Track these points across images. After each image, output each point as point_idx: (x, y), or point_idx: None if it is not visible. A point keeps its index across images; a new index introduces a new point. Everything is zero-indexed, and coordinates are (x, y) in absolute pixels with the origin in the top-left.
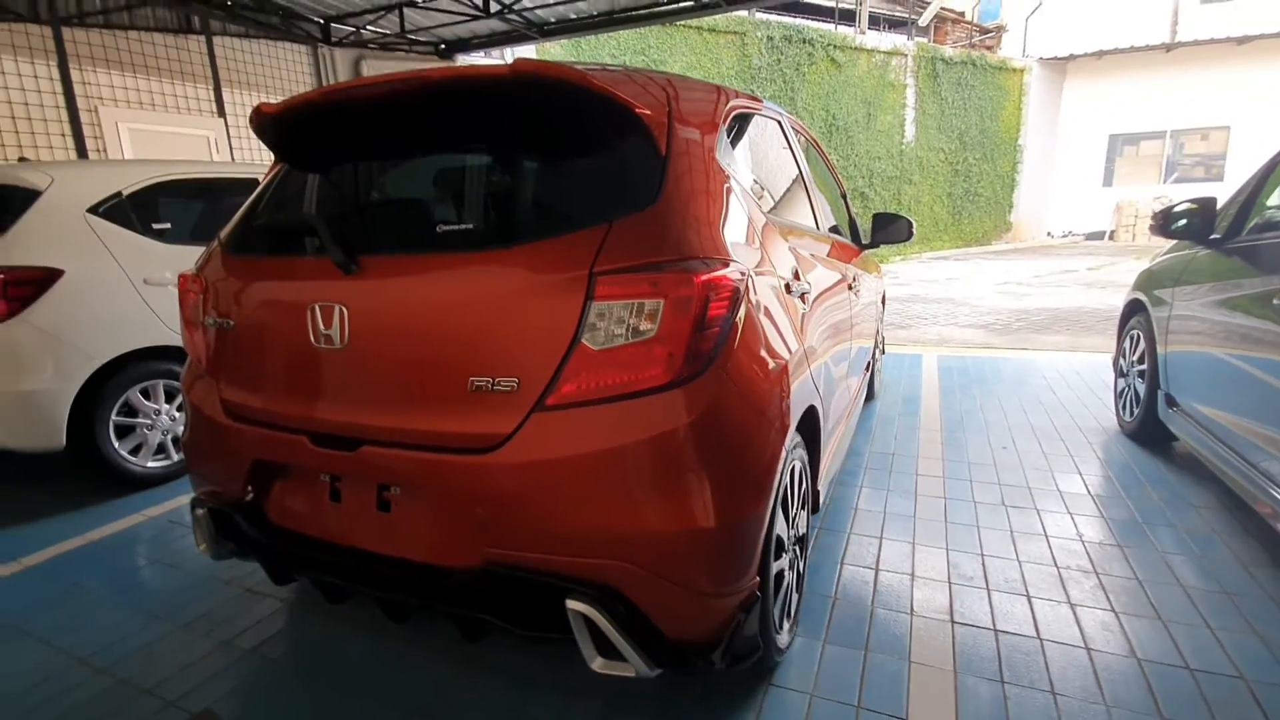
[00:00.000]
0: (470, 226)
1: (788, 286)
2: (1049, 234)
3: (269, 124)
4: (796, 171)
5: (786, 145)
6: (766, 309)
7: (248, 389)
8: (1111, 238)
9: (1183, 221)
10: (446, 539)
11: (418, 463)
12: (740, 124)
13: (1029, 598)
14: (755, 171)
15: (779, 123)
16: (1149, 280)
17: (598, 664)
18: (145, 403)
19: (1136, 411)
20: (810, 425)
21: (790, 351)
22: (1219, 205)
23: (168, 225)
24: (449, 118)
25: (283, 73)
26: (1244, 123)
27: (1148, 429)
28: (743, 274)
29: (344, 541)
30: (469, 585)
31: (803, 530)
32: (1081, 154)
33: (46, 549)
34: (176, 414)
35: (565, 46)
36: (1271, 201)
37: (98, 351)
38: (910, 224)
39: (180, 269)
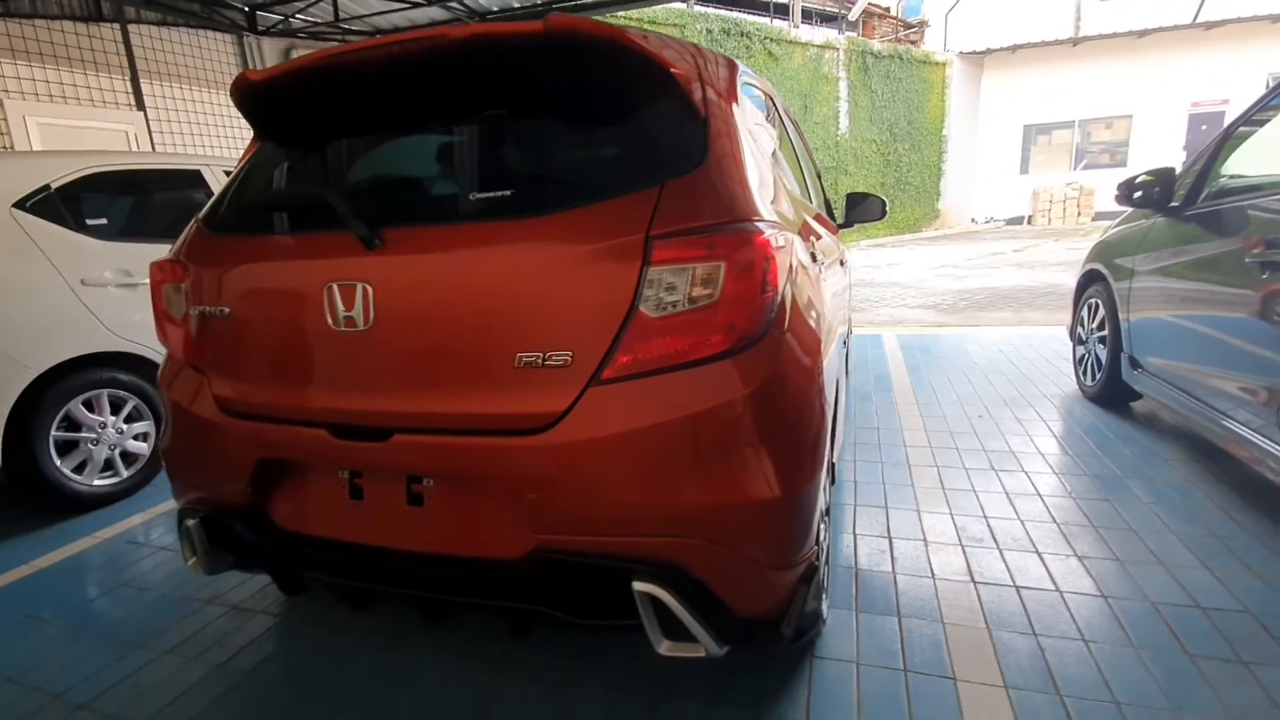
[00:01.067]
0: (508, 193)
1: (813, 256)
2: (973, 220)
3: (253, 94)
4: (791, 147)
5: (779, 120)
6: (806, 275)
7: (249, 382)
8: (1030, 222)
9: (1141, 192)
10: (493, 529)
11: (459, 449)
12: (747, 93)
13: (1039, 554)
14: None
15: (771, 98)
16: (1105, 251)
17: (665, 647)
18: (88, 415)
19: (1099, 376)
20: (834, 395)
21: (824, 319)
22: (1176, 175)
23: (103, 221)
24: (473, 80)
25: (206, 63)
26: (1144, 111)
27: (1110, 392)
28: (789, 238)
29: (368, 542)
30: (523, 576)
31: (828, 500)
32: (1000, 143)
33: None
34: (124, 426)
35: None
36: (1225, 170)
37: (33, 360)
38: (883, 203)
39: (121, 267)
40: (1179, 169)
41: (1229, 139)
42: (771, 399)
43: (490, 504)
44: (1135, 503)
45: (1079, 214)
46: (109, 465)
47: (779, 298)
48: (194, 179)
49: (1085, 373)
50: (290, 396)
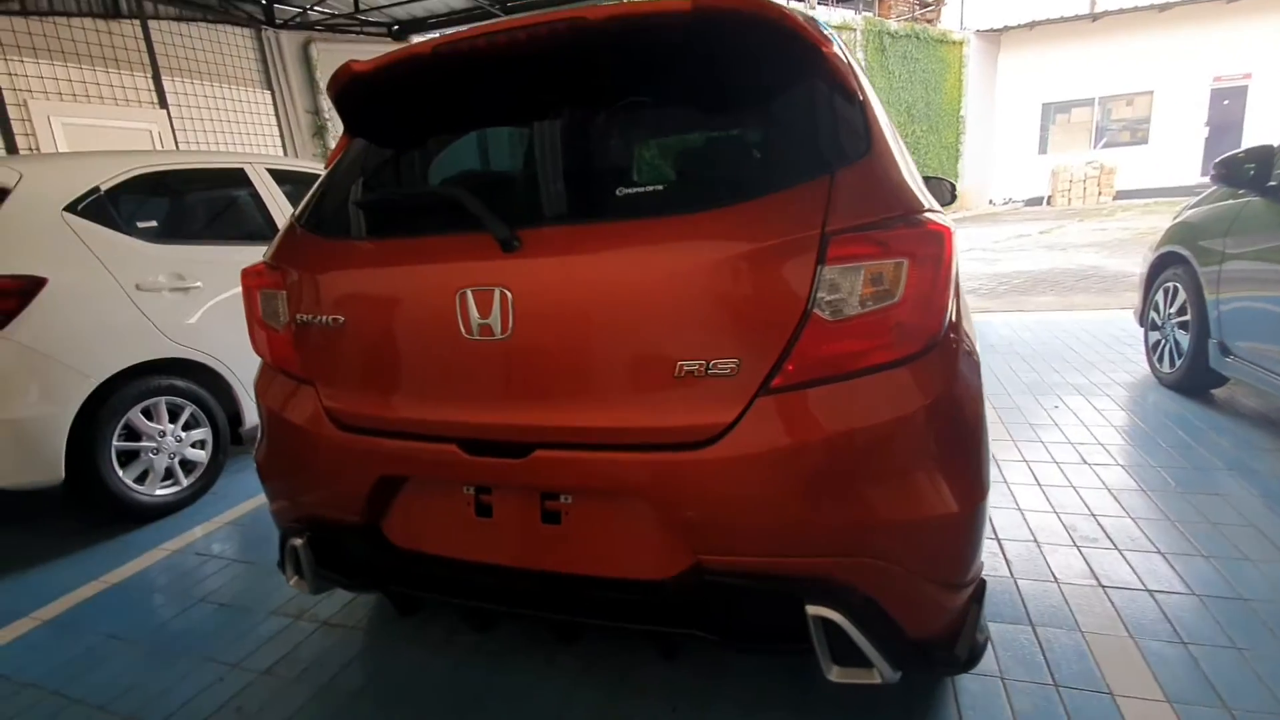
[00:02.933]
0: (660, 188)
1: None
2: (990, 202)
3: (359, 85)
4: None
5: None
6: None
7: (368, 395)
8: (1049, 203)
9: (1236, 171)
10: (640, 549)
11: (609, 465)
12: None
13: (1161, 554)
14: None
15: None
16: (1186, 232)
17: (835, 673)
18: (148, 424)
19: (1179, 362)
20: None
21: (971, 318)
22: (1275, 153)
23: (153, 223)
24: (611, 65)
25: (226, 58)
26: (1166, 87)
27: (1192, 379)
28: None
29: (496, 561)
30: (678, 599)
31: None
32: (1018, 123)
33: (59, 599)
34: (182, 434)
35: None
36: None
37: (93, 369)
38: (952, 186)
39: (174, 271)
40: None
41: None
42: (950, 407)
43: (639, 523)
44: (1246, 497)
45: (1099, 193)
46: (169, 474)
47: (955, 293)
48: (238, 177)
49: (1161, 359)
50: (416, 410)
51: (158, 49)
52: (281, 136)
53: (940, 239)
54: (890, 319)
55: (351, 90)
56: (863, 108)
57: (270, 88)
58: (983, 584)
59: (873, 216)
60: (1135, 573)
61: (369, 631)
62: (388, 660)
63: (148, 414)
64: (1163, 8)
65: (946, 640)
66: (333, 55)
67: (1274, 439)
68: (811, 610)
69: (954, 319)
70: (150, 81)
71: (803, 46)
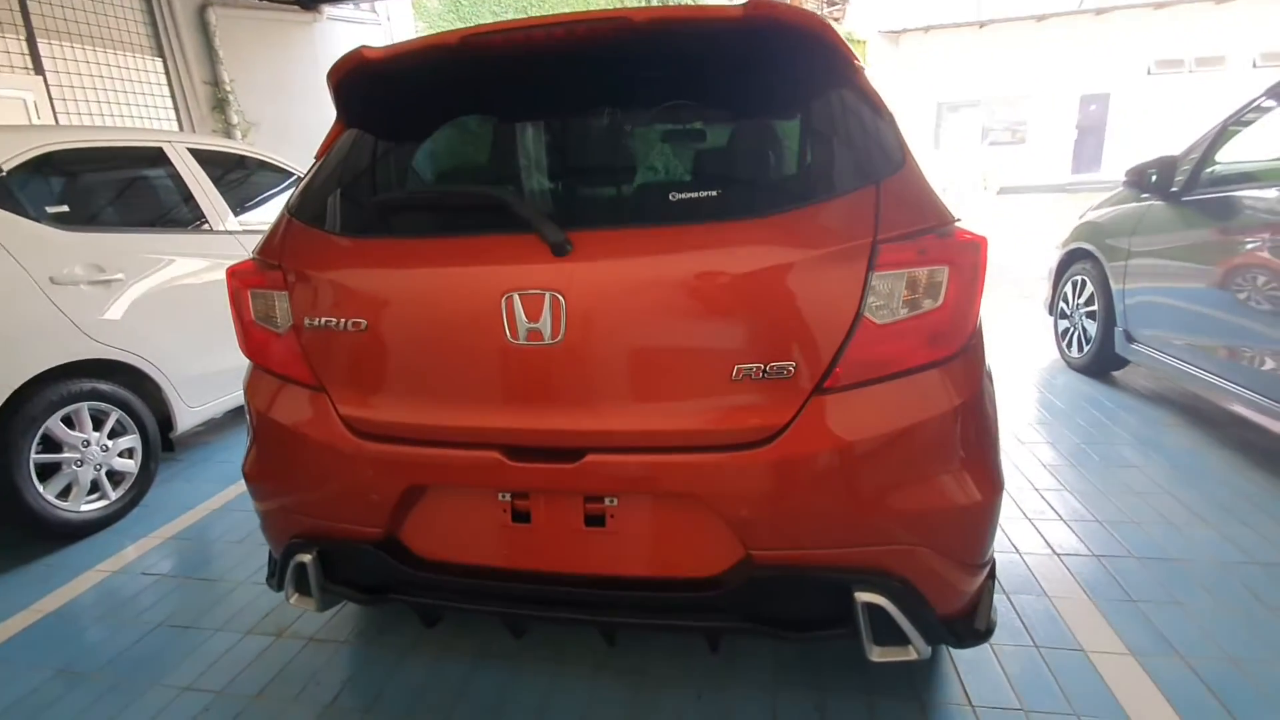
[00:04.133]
0: (714, 193)
1: None
2: None
3: (372, 76)
4: None
5: None
6: None
7: (393, 402)
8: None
9: (1143, 178)
10: (689, 548)
11: (664, 467)
12: None
13: (1100, 522)
14: None
15: None
16: (1094, 231)
17: (876, 653)
18: (70, 433)
19: (1088, 348)
20: None
21: None
22: (1175, 163)
23: (65, 208)
24: (661, 68)
25: (111, 20)
26: (1041, 92)
27: (1100, 363)
28: None
29: (535, 568)
30: (729, 594)
31: None
32: (916, 121)
33: None
34: (108, 443)
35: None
36: (1220, 160)
37: (5, 375)
38: None
39: (92, 261)
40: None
41: (1224, 130)
42: (979, 404)
43: (688, 521)
44: (1159, 468)
45: (985, 188)
46: (95, 487)
47: (982, 296)
48: (156, 157)
49: (1070, 345)
50: (452, 416)
51: (32, 7)
52: (176, 109)
53: (977, 248)
54: (932, 322)
55: (358, 79)
56: (892, 122)
57: (162, 55)
58: (993, 563)
59: (917, 225)
60: (1083, 541)
61: (364, 644)
62: (393, 673)
63: (68, 422)
64: (1040, 18)
65: (969, 615)
66: (233, 22)
67: (1171, 415)
68: (862, 598)
69: (980, 323)
70: (24, 45)
71: (841, 61)
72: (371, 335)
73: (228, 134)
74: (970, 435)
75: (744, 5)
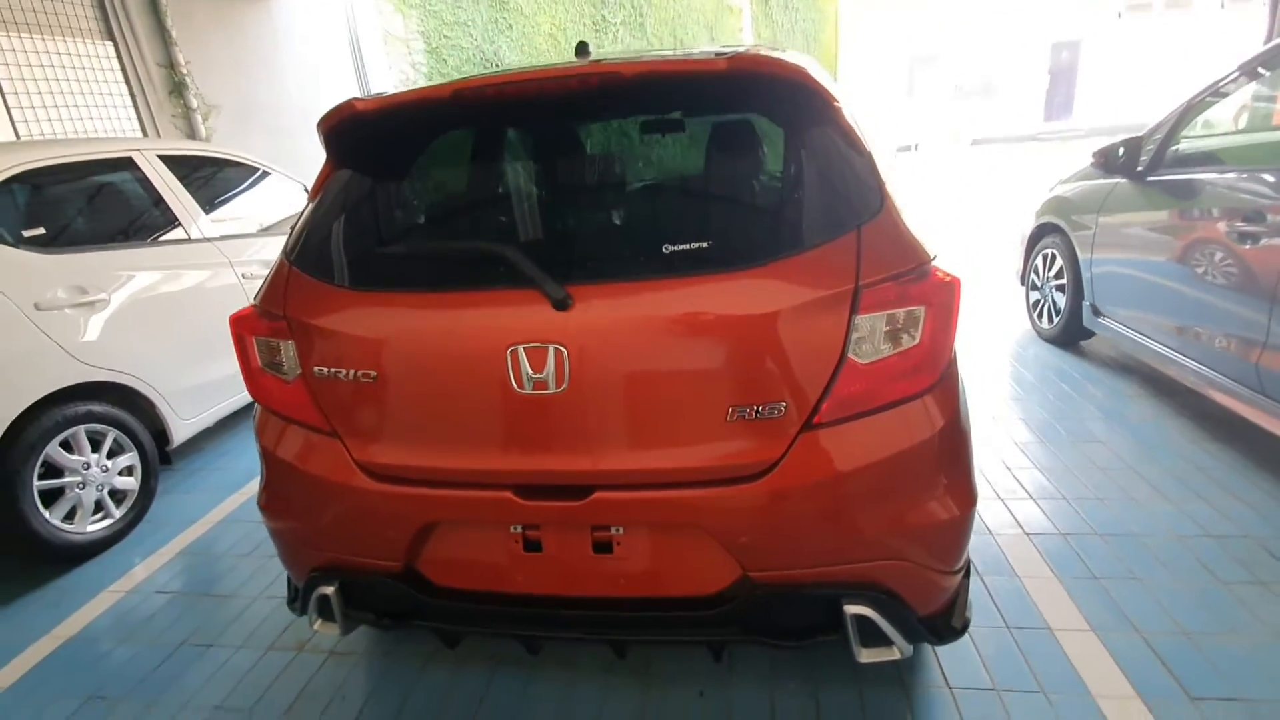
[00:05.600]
0: (706, 245)
1: None
2: None
3: (363, 126)
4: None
5: None
6: None
7: (407, 447)
8: (916, 149)
9: (1111, 159)
10: (691, 569)
11: (666, 502)
12: None
13: (1066, 499)
14: None
15: None
16: (1062, 206)
17: (864, 655)
18: (69, 457)
19: (1056, 320)
20: None
21: None
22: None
23: (41, 230)
24: (649, 120)
25: (58, 6)
26: (1012, 41)
27: (1068, 334)
28: None
29: (546, 592)
30: (727, 610)
31: None
32: (888, 73)
33: (9, 663)
34: (107, 463)
35: None
36: (1183, 141)
37: (3, 406)
38: None
39: (74, 284)
40: (1143, 137)
41: (1188, 110)
42: (955, 427)
43: (689, 546)
44: (1123, 442)
45: (958, 139)
46: (99, 507)
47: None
48: (127, 167)
49: (1041, 316)
50: (464, 460)
51: None
52: (132, 95)
53: (952, 289)
54: (912, 359)
55: (349, 128)
56: (871, 160)
57: (112, 38)
58: (969, 563)
59: (896, 269)
60: (1050, 519)
61: (383, 655)
62: (415, 683)
63: (66, 446)
64: None
65: (946, 614)
66: (186, 1)
67: (1134, 386)
68: (851, 610)
69: (954, 352)
70: None
71: (821, 105)
72: (382, 385)
73: (187, 119)
74: (948, 456)
75: (728, 58)
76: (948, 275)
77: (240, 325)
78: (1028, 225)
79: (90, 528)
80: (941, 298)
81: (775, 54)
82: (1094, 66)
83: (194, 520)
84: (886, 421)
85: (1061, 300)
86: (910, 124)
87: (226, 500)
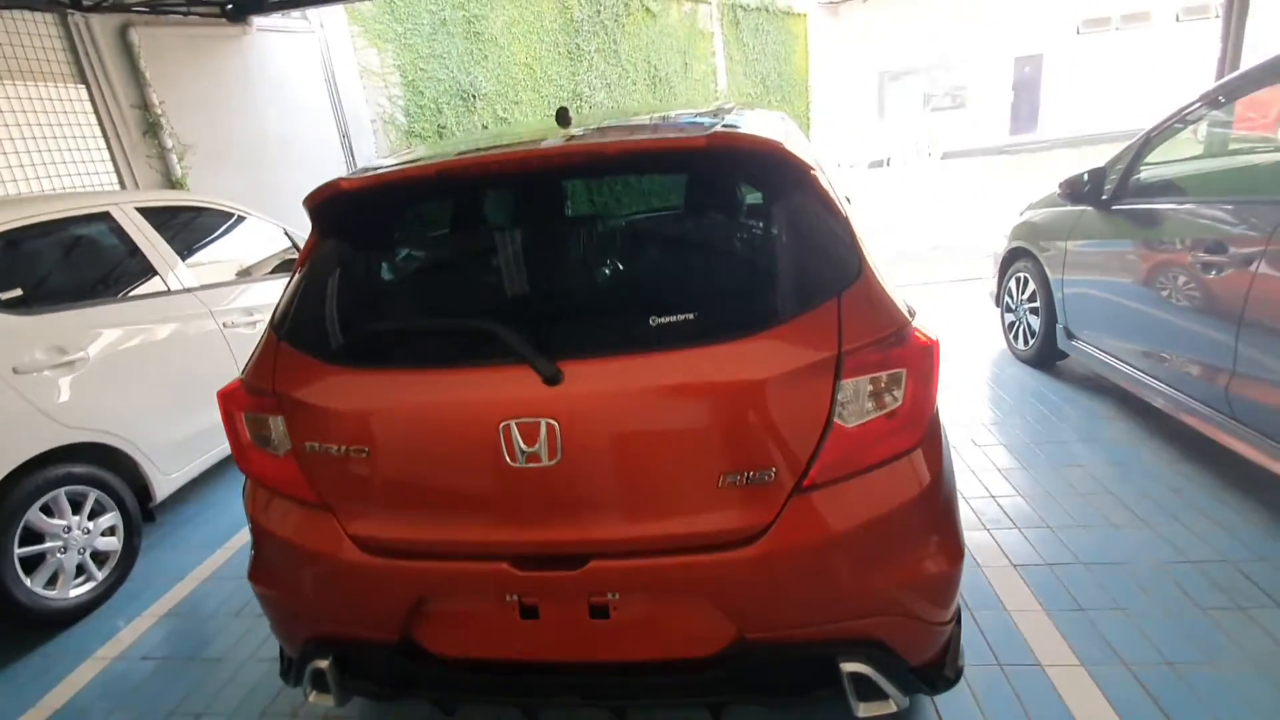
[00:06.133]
0: (691, 316)
1: None
2: (838, 165)
3: (348, 204)
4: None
5: None
6: None
7: (401, 521)
8: (888, 164)
9: (1084, 185)
10: (686, 632)
11: (661, 569)
12: None
13: (1050, 528)
14: None
15: None
16: (1032, 232)
17: (862, 709)
18: (50, 522)
19: (1032, 341)
20: None
21: None
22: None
23: (17, 292)
24: (629, 194)
25: (29, 52)
26: (978, 56)
27: (1044, 355)
28: None
29: (544, 658)
30: (722, 671)
31: None
32: (859, 91)
33: None
34: (89, 525)
35: (378, 3)
36: (1146, 171)
37: None
38: None
39: (53, 344)
40: (1106, 166)
41: (1149, 140)
42: (941, 482)
43: (688, 610)
44: (1101, 465)
45: (929, 154)
46: (81, 570)
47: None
48: (104, 222)
49: (1017, 337)
50: (459, 532)
51: None
52: (106, 138)
53: (930, 351)
54: (895, 419)
55: (335, 205)
56: (848, 225)
57: (85, 82)
58: (959, 611)
59: (876, 334)
60: (1035, 549)
61: (379, 718)
62: None
63: (46, 510)
64: None
65: (940, 664)
66: (157, 40)
67: (1107, 407)
68: (847, 668)
69: (936, 409)
70: None
71: (796, 174)
72: (374, 460)
73: (163, 159)
74: (936, 511)
75: (707, 135)
76: (926, 337)
77: (229, 401)
78: (1000, 247)
79: (73, 592)
80: (921, 360)
81: (745, 116)
82: (1056, 80)
83: (180, 578)
84: (874, 481)
85: (1036, 323)
86: (882, 140)
87: (212, 556)
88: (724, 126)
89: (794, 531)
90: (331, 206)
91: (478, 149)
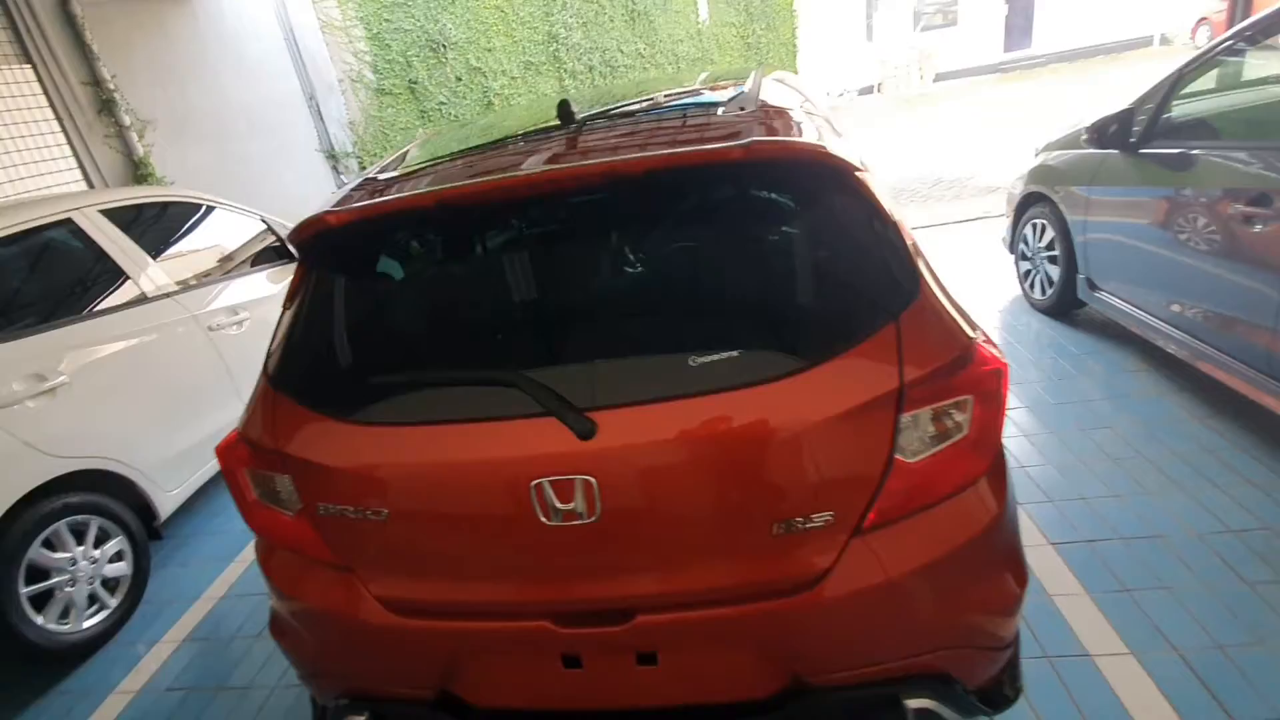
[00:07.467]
0: (735, 354)
1: None
2: (827, 93)
3: (334, 238)
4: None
5: None
6: None
7: (430, 582)
8: (879, 90)
9: (1110, 130)
10: (739, 675)
11: (713, 620)
12: None
13: (1085, 499)
14: None
15: None
16: (1051, 176)
17: None
18: (54, 556)
19: (1050, 291)
20: None
21: None
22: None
23: None
24: (662, 215)
25: None
26: None
27: (1062, 305)
28: None
29: (590, 706)
30: (785, 715)
31: None
32: (845, 14)
33: None
34: (95, 553)
35: None
36: (1178, 111)
37: None
38: None
39: (30, 372)
40: (1134, 108)
41: (1181, 78)
42: (1008, 505)
43: (740, 654)
44: (1129, 424)
45: (921, 77)
46: (93, 599)
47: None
48: (66, 229)
49: (1033, 287)
50: (494, 592)
51: None
52: (60, 120)
53: (999, 375)
54: (961, 450)
55: (324, 241)
56: (899, 233)
57: (30, 61)
58: (1017, 633)
59: (940, 360)
60: (1072, 525)
61: None
62: None
63: (49, 544)
64: None
65: (1000, 684)
66: (103, 10)
67: (1131, 359)
68: (912, 704)
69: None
70: None
71: (844, 180)
72: (395, 523)
73: (121, 137)
74: (1003, 538)
75: (744, 146)
76: (993, 358)
77: (228, 456)
78: (1015, 189)
79: (87, 624)
80: (989, 385)
81: (754, 87)
82: None
83: (195, 597)
84: (939, 517)
85: (1053, 271)
86: (871, 64)
87: (225, 571)
88: (748, 115)
89: (855, 575)
90: (320, 242)
91: (475, 147)
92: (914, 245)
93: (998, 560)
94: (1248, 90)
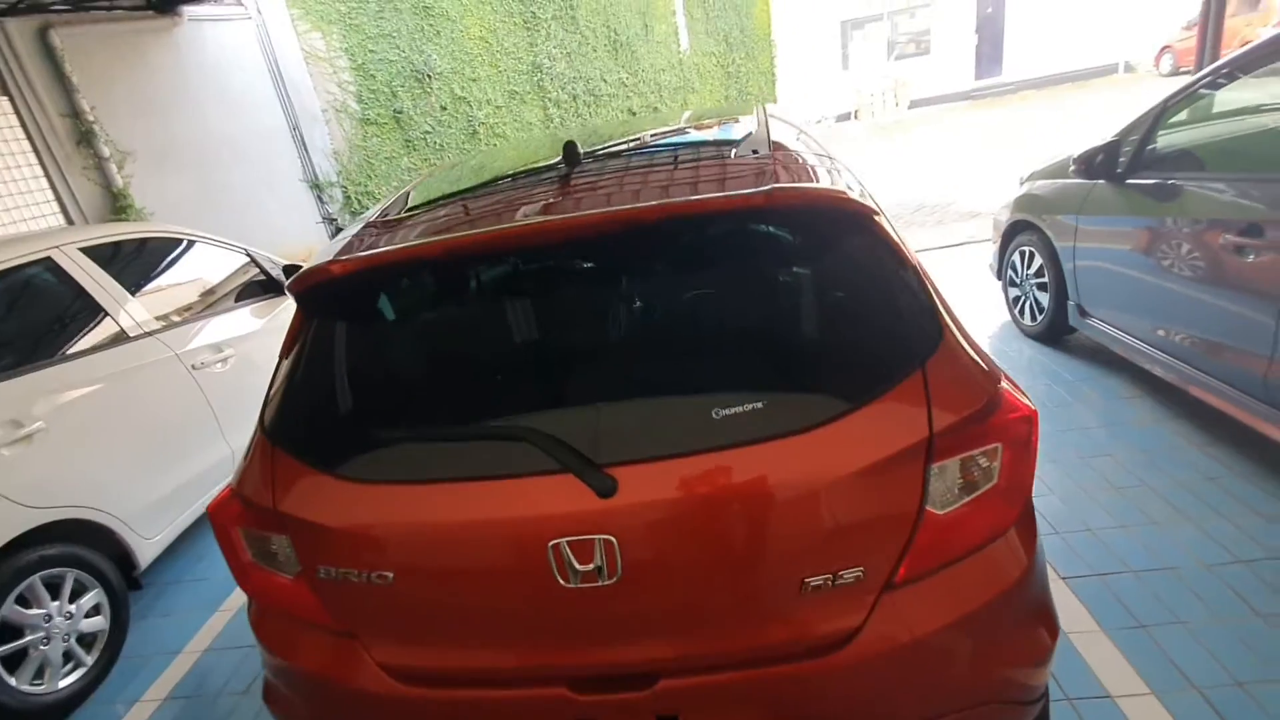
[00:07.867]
0: (760, 405)
1: None
2: (807, 121)
3: (336, 288)
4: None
5: None
6: None
7: (437, 648)
8: (855, 117)
9: (1097, 161)
10: None
11: (738, 682)
12: None
13: (1092, 531)
14: None
15: None
16: (1038, 204)
17: None
18: (27, 613)
19: (1040, 317)
20: None
21: None
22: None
23: None
24: (677, 264)
25: None
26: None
27: (1053, 331)
28: None
29: None
30: None
31: None
32: (822, 42)
33: None
34: (71, 609)
35: None
36: (1163, 142)
37: None
38: None
39: (6, 419)
40: (1119, 139)
41: (1165, 110)
42: (1037, 555)
43: (765, 717)
44: (1128, 452)
45: (896, 104)
46: (69, 656)
47: None
48: (45, 268)
49: (1023, 313)
50: (509, 658)
51: None
52: (37, 152)
53: (1029, 421)
54: (991, 500)
55: (326, 291)
56: (919, 276)
57: (7, 93)
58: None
59: (968, 409)
60: (1081, 558)
61: None
62: None
63: (22, 600)
64: None
65: None
66: (82, 41)
67: (1126, 385)
68: None
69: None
70: None
71: (863, 224)
72: (402, 587)
73: (100, 169)
74: (1034, 589)
75: (765, 192)
76: (1022, 405)
77: (221, 515)
78: (1001, 217)
79: (63, 683)
80: (1018, 431)
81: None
82: (1019, 19)
83: (178, 650)
84: (970, 569)
85: (1043, 298)
86: (848, 91)
87: (210, 620)
88: (764, 158)
89: (886, 633)
90: (321, 291)
91: (480, 186)
92: (935, 288)
93: (1030, 611)
94: (1231, 122)
